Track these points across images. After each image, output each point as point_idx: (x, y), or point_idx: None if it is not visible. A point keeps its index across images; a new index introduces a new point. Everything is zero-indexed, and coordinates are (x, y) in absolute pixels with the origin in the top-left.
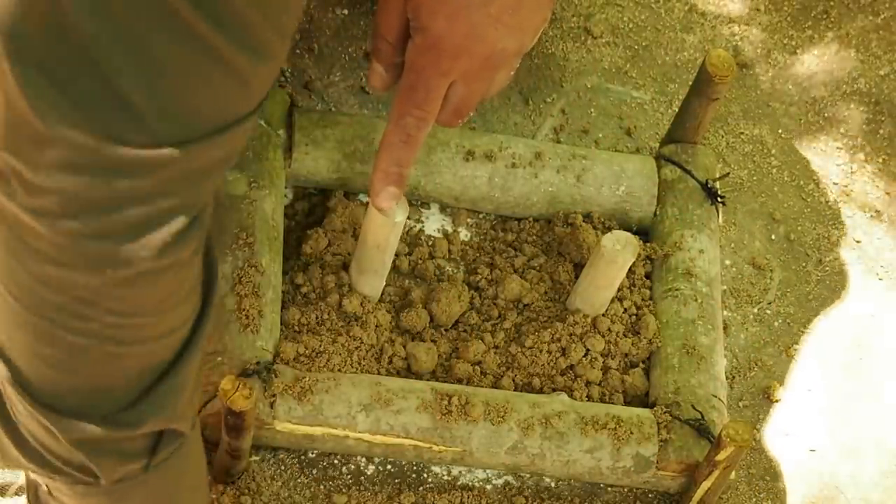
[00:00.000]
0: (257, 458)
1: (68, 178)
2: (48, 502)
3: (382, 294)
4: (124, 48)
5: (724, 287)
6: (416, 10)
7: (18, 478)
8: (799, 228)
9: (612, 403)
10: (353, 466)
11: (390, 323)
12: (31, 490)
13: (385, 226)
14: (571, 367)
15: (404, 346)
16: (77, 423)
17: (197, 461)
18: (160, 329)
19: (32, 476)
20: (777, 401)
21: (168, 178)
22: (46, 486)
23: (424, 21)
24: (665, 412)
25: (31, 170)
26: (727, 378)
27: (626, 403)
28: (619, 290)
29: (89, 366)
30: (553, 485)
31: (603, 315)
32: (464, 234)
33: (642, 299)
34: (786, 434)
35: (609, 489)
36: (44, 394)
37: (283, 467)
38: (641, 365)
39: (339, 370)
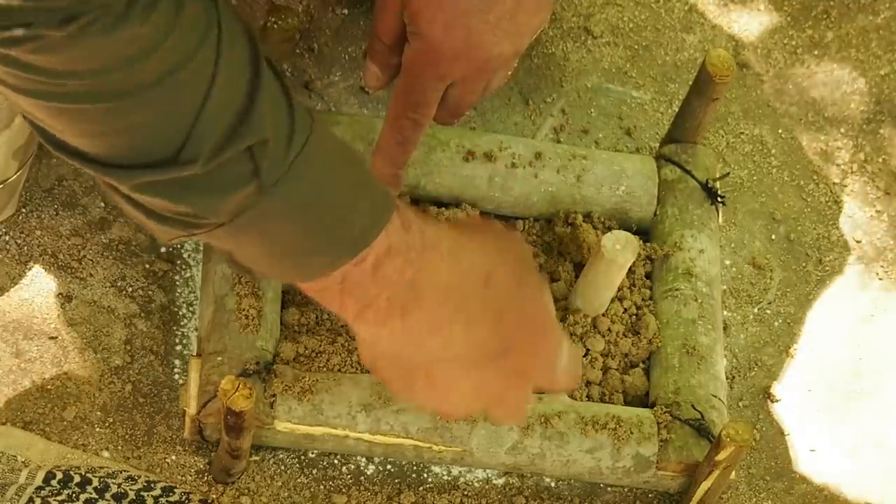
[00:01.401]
0: (257, 458)
1: None
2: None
3: None
4: None
5: (724, 287)
6: (414, 16)
7: (19, 478)
8: (799, 228)
9: (612, 403)
10: (353, 466)
11: None
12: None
13: None
14: None
15: None
16: (142, 172)
17: (330, 158)
18: (142, 79)
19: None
20: (777, 401)
21: None
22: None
23: (422, 27)
24: (665, 412)
25: None
26: (727, 378)
27: (626, 403)
28: (619, 290)
29: (105, 128)
30: (553, 485)
31: (603, 315)
32: None
33: (642, 299)
34: (786, 434)
35: (609, 489)
36: (111, 160)
37: (283, 467)
38: (641, 365)
39: (339, 370)
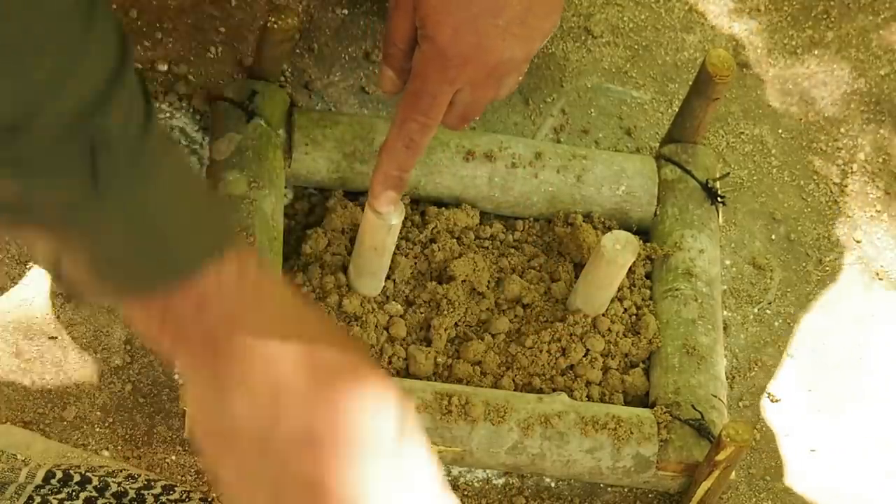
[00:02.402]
0: None
1: None
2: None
3: (383, 291)
4: None
5: (724, 287)
6: (424, 19)
7: (19, 476)
8: (799, 228)
9: (612, 403)
10: None
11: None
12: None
13: (381, 229)
14: (571, 367)
15: (404, 347)
16: None
17: (176, 175)
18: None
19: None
20: (777, 401)
21: None
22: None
23: (432, 30)
24: (665, 412)
25: None
26: (727, 378)
27: (626, 403)
28: (619, 290)
29: None
30: (553, 485)
31: (603, 315)
32: None
33: (642, 299)
34: (786, 434)
35: (609, 489)
36: None
37: None
38: (641, 365)
39: None
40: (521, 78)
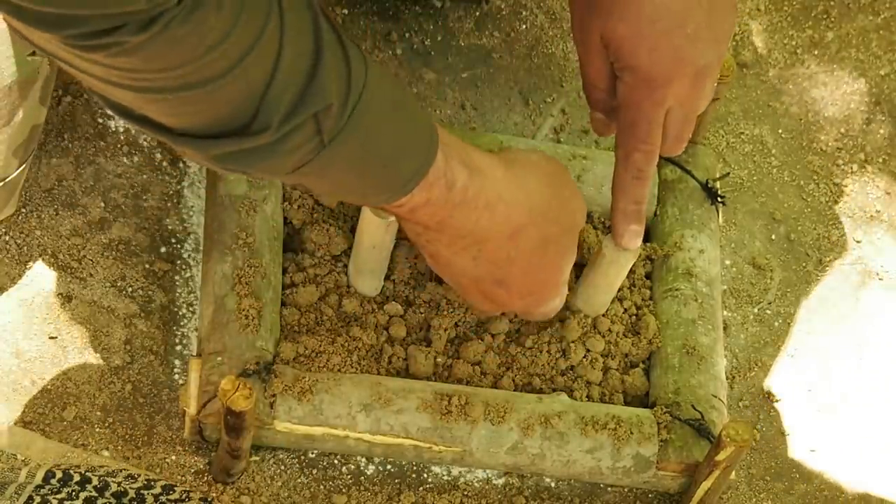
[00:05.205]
0: (257, 458)
1: None
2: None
3: (383, 291)
4: None
5: (724, 287)
6: (618, 51)
7: (19, 476)
8: (799, 228)
9: (612, 403)
10: (353, 466)
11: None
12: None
13: (380, 227)
14: (571, 367)
15: (404, 347)
16: (216, 143)
17: (380, 107)
18: (219, 66)
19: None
20: (777, 401)
21: None
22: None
23: (628, 59)
24: (665, 412)
25: None
26: (727, 378)
27: (626, 403)
28: (619, 290)
29: (184, 110)
30: (553, 485)
31: (603, 315)
32: None
33: (642, 299)
34: (786, 434)
35: (609, 489)
36: (186, 132)
37: (283, 467)
38: (641, 365)
39: (339, 370)
40: (715, 83)
